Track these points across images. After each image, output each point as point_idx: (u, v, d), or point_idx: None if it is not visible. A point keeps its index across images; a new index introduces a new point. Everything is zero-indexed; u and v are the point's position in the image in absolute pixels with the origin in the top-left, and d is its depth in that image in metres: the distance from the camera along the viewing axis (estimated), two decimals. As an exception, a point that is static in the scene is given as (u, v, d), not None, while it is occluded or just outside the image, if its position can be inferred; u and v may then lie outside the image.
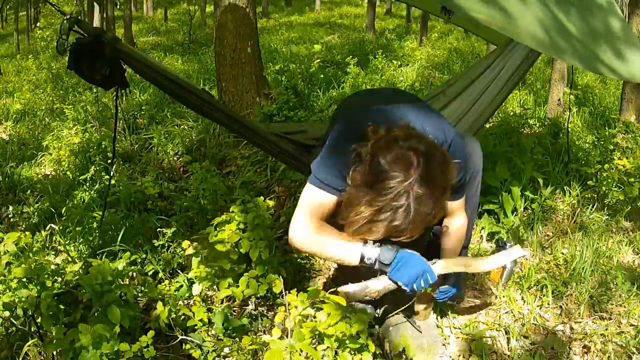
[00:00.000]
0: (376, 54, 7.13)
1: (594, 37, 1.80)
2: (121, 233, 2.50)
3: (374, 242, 1.49)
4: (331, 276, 2.34)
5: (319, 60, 5.34)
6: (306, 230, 1.53)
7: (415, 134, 1.39)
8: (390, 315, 1.93)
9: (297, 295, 1.60)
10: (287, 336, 1.52)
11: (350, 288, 1.53)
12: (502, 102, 2.92)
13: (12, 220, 3.17)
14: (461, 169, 1.67)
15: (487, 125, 4.21)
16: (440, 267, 1.60)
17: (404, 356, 1.71)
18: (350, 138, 1.48)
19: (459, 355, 1.86)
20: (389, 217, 1.31)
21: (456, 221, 1.84)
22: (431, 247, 2.20)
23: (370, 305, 1.93)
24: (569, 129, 3.74)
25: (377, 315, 1.94)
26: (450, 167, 1.37)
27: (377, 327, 1.92)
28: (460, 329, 1.98)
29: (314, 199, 1.56)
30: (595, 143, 3.65)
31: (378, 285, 1.53)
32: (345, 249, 1.52)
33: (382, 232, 1.34)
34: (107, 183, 2.39)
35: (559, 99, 4.49)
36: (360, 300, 1.56)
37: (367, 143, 1.38)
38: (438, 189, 1.32)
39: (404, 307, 1.84)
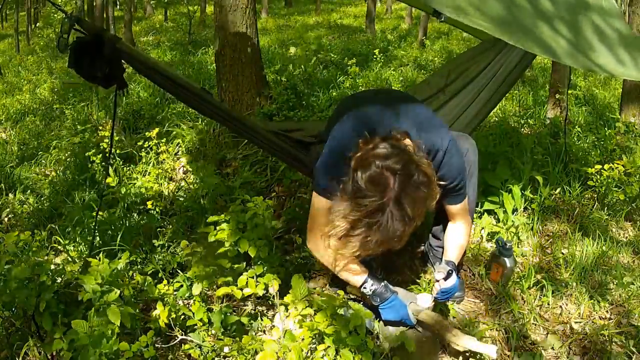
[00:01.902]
0: (375, 55, 7.13)
1: (590, 37, 1.80)
2: (120, 233, 2.50)
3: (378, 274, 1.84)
4: (331, 276, 2.34)
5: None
6: (319, 245, 1.74)
7: (400, 150, 1.37)
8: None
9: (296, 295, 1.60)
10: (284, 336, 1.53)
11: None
12: (499, 101, 2.92)
13: (12, 220, 3.17)
14: (459, 173, 1.68)
15: (487, 125, 4.21)
16: (423, 315, 1.77)
17: (402, 352, 1.71)
18: (347, 144, 1.49)
19: (459, 356, 1.86)
20: (363, 233, 1.34)
21: (458, 225, 1.85)
22: (431, 251, 2.21)
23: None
24: (569, 129, 3.74)
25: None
26: (431, 186, 1.38)
27: (376, 322, 1.92)
28: (460, 329, 1.98)
29: (319, 207, 1.65)
30: (595, 143, 3.65)
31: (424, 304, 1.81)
32: (353, 273, 1.77)
33: (358, 246, 1.37)
34: (104, 182, 2.39)
35: (559, 99, 4.49)
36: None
37: (358, 153, 1.40)
38: (413, 209, 1.33)
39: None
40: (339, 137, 1.62)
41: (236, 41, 4.03)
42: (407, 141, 1.46)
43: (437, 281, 1.81)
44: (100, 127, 3.58)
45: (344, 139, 1.58)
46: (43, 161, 4.14)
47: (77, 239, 2.62)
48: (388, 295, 1.75)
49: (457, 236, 1.86)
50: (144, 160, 3.64)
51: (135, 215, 2.87)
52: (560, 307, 2.11)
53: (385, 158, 1.33)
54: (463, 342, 1.68)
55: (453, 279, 1.78)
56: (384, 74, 6.61)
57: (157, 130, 3.51)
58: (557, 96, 4.45)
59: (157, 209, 2.82)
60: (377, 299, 1.75)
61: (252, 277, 1.84)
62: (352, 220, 1.34)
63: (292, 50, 5.23)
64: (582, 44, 1.73)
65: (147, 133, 3.60)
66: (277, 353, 1.50)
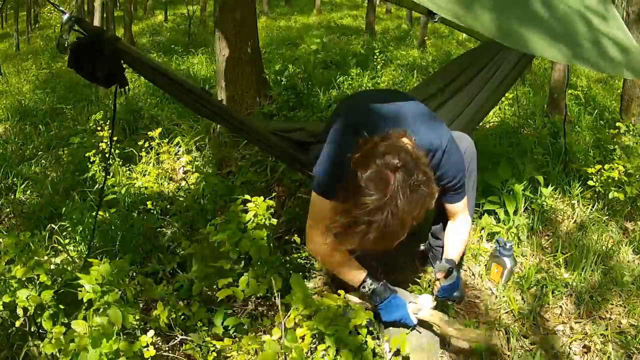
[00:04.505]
0: (376, 55, 7.12)
1: (588, 34, 1.80)
2: (121, 233, 2.50)
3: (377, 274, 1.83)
4: (331, 276, 2.34)
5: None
6: (319, 247, 1.71)
7: (400, 149, 1.37)
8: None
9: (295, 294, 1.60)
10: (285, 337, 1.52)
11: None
12: (498, 101, 2.92)
13: (12, 220, 3.17)
14: (458, 171, 1.68)
15: (487, 126, 4.21)
16: (424, 313, 1.76)
17: (401, 355, 1.72)
18: (347, 143, 1.49)
19: (459, 355, 1.86)
20: (363, 230, 1.35)
21: (458, 224, 1.85)
22: (431, 250, 2.21)
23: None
24: (568, 130, 3.74)
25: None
26: (430, 185, 1.38)
27: (376, 323, 1.92)
28: (461, 328, 1.98)
29: (319, 206, 1.66)
30: (596, 143, 3.65)
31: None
32: (352, 272, 1.76)
33: (357, 243, 1.39)
34: (104, 182, 2.38)
35: (558, 99, 4.49)
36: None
37: (358, 153, 1.40)
38: (412, 208, 1.33)
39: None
40: (338, 138, 1.62)
41: (236, 41, 4.03)
42: (405, 140, 1.46)
43: (438, 280, 1.81)
44: (99, 128, 3.57)
45: (343, 139, 1.59)
46: (43, 161, 4.13)
47: (77, 239, 2.62)
48: (387, 295, 1.73)
49: (457, 234, 1.86)
50: (144, 160, 3.64)
51: (135, 215, 2.87)
52: (560, 307, 2.11)
53: (385, 157, 1.34)
54: (466, 337, 1.69)
55: (454, 277, 1.79)
56: (384, 74, 6.61)
57: (159, 130, 3.51)
58: (557, 96, 4.44)
59: (157, 209, 2.81)
60: (376, 299, 1.74)
61: (254, 278, 1.84)
62: (352, 218, 1.34)
63: (288, 54, 5.22)
64: (580, 40, 1.73)
65: (149, 133, 3.60)
66: (278, 353, 1.49)
